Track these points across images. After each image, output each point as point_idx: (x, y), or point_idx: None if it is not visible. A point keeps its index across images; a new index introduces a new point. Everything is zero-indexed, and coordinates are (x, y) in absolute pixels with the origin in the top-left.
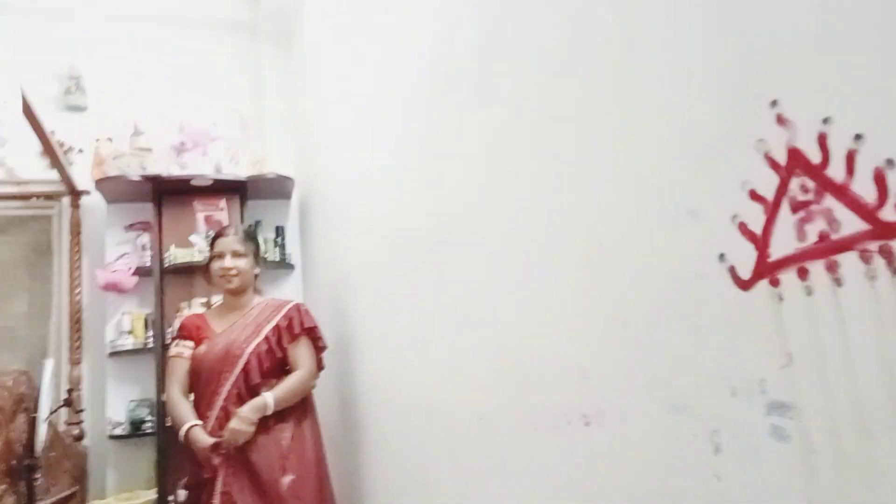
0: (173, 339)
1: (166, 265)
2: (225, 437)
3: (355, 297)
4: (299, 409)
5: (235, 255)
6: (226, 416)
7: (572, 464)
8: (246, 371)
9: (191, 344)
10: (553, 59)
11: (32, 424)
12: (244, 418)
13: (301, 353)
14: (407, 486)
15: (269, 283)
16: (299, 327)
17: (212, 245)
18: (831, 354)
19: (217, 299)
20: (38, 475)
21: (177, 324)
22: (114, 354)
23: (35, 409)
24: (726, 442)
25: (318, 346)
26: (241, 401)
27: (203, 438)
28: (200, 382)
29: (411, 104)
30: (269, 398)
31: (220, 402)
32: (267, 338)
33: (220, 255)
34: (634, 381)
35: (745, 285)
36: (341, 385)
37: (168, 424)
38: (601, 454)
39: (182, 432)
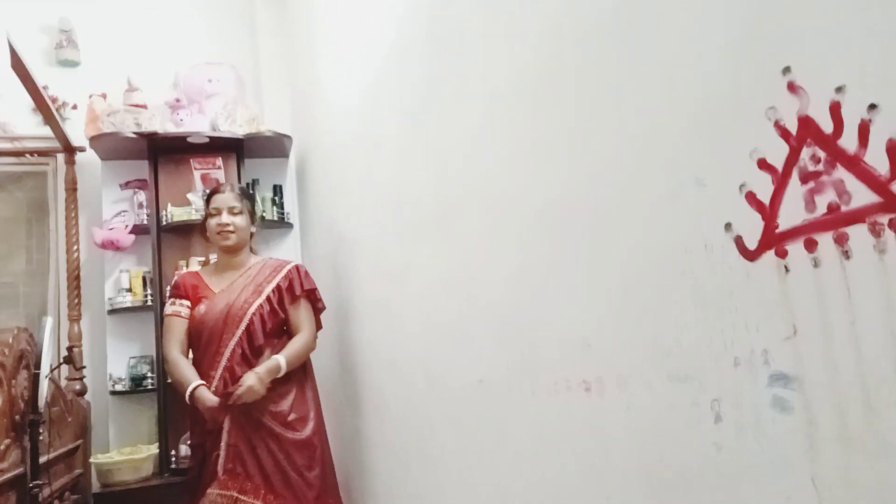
0: (169, 297)
1: (163, 223)
2: (238, 392)
3: (355, 259)
4: (300, 370)
5: (232, 211)
6: (230, 376)
7: (571, 429)
8: (249, 331)
9: (187, 303)
10: (556, 19)
11: (34, 381)
12: (261, 378)
13: (302, 314)
14: (407, 449)
15: (267, 242)
16: (300, 289)
17: (207, 202)
18: (837, 327)
19: (213, 258)
20: (41, 430)
21: (172, 282)
22: (113, 312)
23: (37, 366)
24: (727, 412)
25: (318, 308)
26: (244, 361)
27: (210, 398)
28: (201, 342)
29: (412, 62)
30: (281, 360)
31: (223, 362)
32: (269, 298)
33: (217, 212)
34: (635, 349)
35: (751, 255)
36: (341, 347)
37: (168, 381)
38: (601, 420)
39: (188, 392)
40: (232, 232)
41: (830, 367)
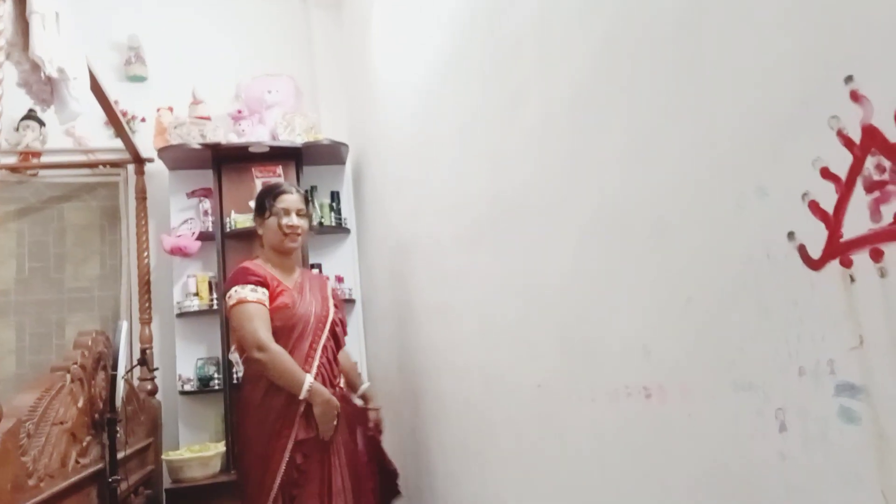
0: (242, 283)
1: (227, 230)
2: (375, 416)
3: (412, 264)
4: None
5: (299, 213)
6: (322, 377)
7: (632, 436)
8: (335, 336)
9: (267, 292)
10: (615, 27)
11: (111, 381)
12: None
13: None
14: (466, 450)
15: (325, 247)
16: (341, 307)
17: (273, 199)
18: None
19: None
20: (118, 428)
21: (239, 269)
22: (181, 315)
23: (113, 367)
24: (792, 421)
25: None
26: (331, 365)
27: (327, 392)
28: (293, 336)
29: (469, 69)
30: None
31: (317, 361)
32: (337, 307)
33: (287, 212)
34: (698, 357)
35: (815, 265)
36: (399, 350)
37: (235, 380)
38: (662, 428)
39: (306, 386)
40: (299, 234)
41: None
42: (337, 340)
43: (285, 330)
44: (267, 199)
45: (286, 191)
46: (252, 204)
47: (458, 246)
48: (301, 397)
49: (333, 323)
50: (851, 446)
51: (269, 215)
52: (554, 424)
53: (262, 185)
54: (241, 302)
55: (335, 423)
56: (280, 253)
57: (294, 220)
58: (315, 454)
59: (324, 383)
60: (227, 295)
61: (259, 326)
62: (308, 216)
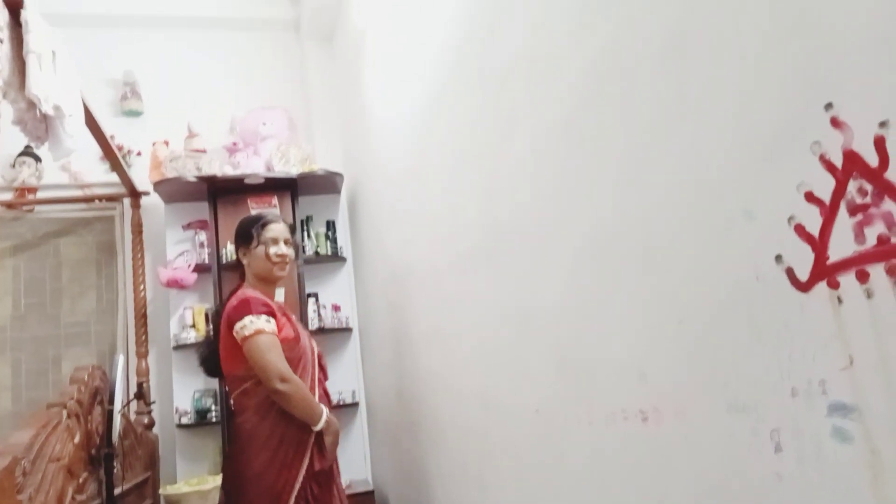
0: (256, 311)
1: (223, 261)
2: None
3: (408, 291)
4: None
5: (287, 242)
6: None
7: (630, 458)
8: (323, 368)
9: (276, 323)
10: (601, 57)
11: (108, 416)
12: None
13: None
14: (465, 476)
15: (322, 276)
16: None
17: (261, 229)
18: (894, 357)
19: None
20: (115, 463)
21: (243, 299)
22: (178, 348)
23: (110, 402)
24: (787, 441)
25: None
26: (326, 394)
27: (337, 424)
28: (299, 367)
29: (460, 100)
30: None
31: (317, 391)
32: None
33: (275, 241)
34: (692, 378)
35: (803, 287)
36: (397, 377)
37: (223, 413)
38: (660, 450)
39: (324, 419)
40: (287, 263)
41: (890, 397)
42: (324, 371)
43: (293, 362)
44: (253, 229)
45: (272, 220)
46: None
47: (452, 273)
48: (317, 428)
49: (319, 355)
50: (846, 465)
51: (257, 244)
52: (552, 448)
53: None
54: (259, 332)
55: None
56: (267, 282)
57: (283, 248)
58: (325, 483)
59: None
60: (240, 325)
61: (280, 357)
62: (294, 245)
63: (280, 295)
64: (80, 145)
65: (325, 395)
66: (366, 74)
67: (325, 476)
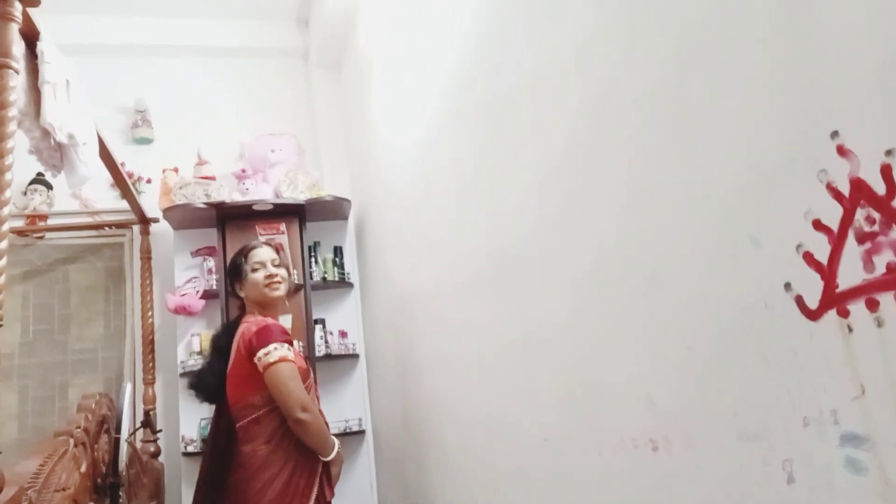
0: (280, 339)
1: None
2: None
3: (414, 316)
4: None
5: (274, 263)
6: None
7: (640, 488)
8: (317, 397)
9: (293, 351)
10: (607, 85)
11: (114, 444)
12: None
13: None
14: None
15: (329, 301)
16: None
17: (245, 258)
18: None
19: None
20: (121, 493)
21: (263, 326)
22: (185, 375)
23: (117, 430)
24: (799, 472)
25: None
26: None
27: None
28: (309, 398)
29: (465, 127)
30: None
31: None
32: None
33: (262, 264)
34: (702, 407)
35: (812, 315)
36: (402, 403)
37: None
38: (670, 480)
39: (335, 451)
40: (279, 283)
41: None
42: (318, 400)
43: (305, 391)
44: (238, 261)
45: (255, 246)
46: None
47: (458, 298)
48: (328, 459)
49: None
50: (859, 496)
51: (247, 274)
52: (560, 477)
53: (266, 243)
54: (283, 360)
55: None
56: (267, 306)
57: (271, 269)
58: None
59: None
60: (264, 352)
61: (300, 387)
62: (284, 266)
63: (287, 322)
64: (94, 173)
65: (325, 424)
66: (373, 101)
67: None
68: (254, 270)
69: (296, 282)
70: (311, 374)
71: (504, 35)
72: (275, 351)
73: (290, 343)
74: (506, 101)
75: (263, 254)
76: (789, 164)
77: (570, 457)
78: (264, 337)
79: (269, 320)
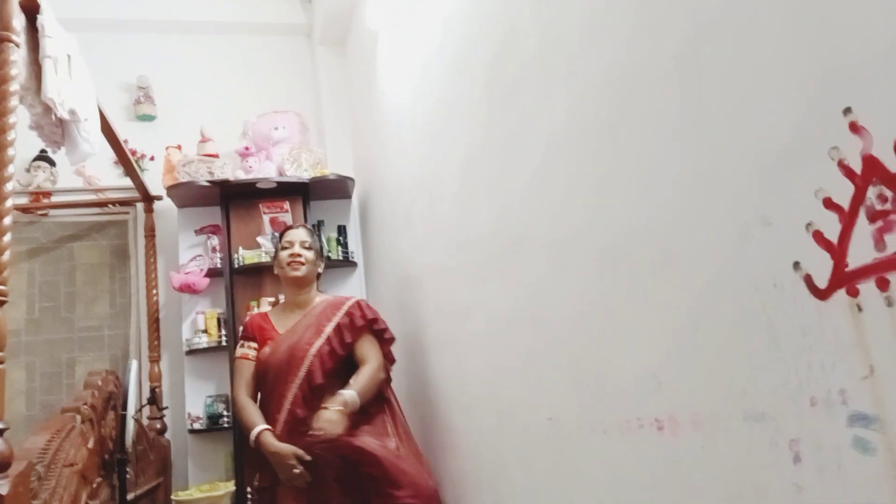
0: (238, 339)
1: (235, 266)
2: (319, 426)
3: (420, 297)
4: (377, 403)
5: (303, 244)
6: (293, 419)
7: (645, 468)
8: (310, 372)
9: (255, 345)
10: (616, 64)
11: (121, 421)
12: (339, 409)
13: (367, 347)
14: (479, 485)
15: (332, 281)
16: (361, 320)
17: (280, 238)
18: None
19: (283, 298)
20: (128, 469)
21: (241, 324)
22: (190, 352)
23: (123, 407)
24: (806, 452)
25: (385, 339)
26: (306, 403)
27: (275, 443)
28: (267, 384)
29: (471, 106)
30: (353, 393)
31: (287, 406)
32: (329, 338)
33: (290, 244)
34: (709, 387)
35: (822, 295)
36: (409, 384)
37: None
38: (676, 460)
39: (252, 437)
40: (302, 263)
41: None
42: (311, 377)
43: (261, 380)
44: (279, 239)
45: (292, 227)
46: (259, 239)
47: (464, 279)
48: (251, 445)
49: (312, 360)
50: (867, 477)
51: (278, 251)
52: (566, 458)
53: (270, 221)
54: (242, 357)
55: (298, 471)
56: (292, 284)
57: (296, 249)
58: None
59: (292, 427)
60: (239, 345)
61: (237, 382)
62: (313, 249)
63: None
64: (96, 150)
65: (300, 404)
66: (377, 79)
67: (265, 492)
68: (283, 248)
69: (321, 268)
70: (282, 360)
71: (512, 12)
72: (239, 348)
73: (249, 338)
74: (514, 78)
75: (295, 234)
76: (801, 142)
77: (575, 437)
78: (242, 332)
79: (251, 316)
